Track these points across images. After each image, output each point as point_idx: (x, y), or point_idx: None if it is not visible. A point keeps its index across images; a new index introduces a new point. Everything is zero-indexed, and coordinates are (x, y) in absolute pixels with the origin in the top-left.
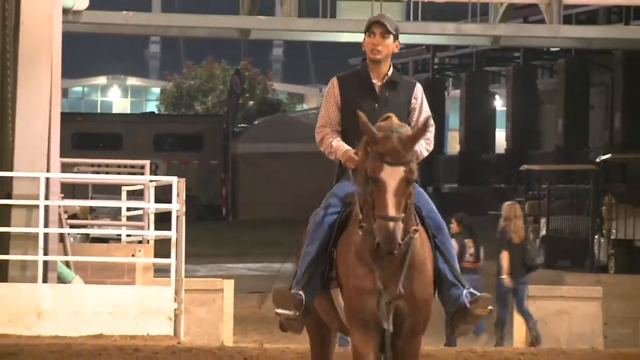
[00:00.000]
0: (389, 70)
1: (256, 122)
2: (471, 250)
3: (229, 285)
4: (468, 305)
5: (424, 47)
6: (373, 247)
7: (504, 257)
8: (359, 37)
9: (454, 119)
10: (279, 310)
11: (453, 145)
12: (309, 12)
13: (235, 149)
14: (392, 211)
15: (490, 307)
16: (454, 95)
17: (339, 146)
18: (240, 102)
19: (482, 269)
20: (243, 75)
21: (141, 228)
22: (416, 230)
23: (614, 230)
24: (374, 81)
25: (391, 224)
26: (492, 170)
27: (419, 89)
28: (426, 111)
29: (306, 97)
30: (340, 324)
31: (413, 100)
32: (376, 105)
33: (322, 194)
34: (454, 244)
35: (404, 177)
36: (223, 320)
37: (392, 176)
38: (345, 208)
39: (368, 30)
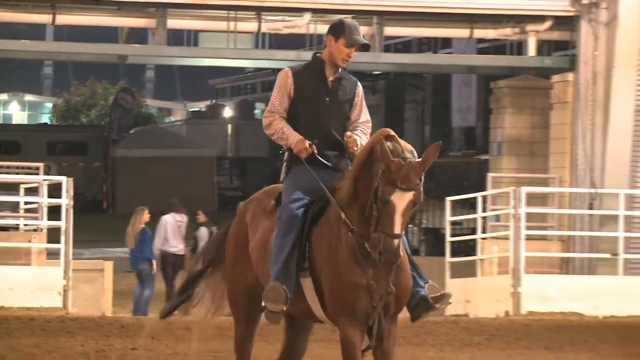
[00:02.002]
0: (339, 68)
1: (132, 132)
2: None
3: (109, 266)
4: (431, 300)
5: (270, 70)
6: (367, 252)
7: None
8: (217, 62)
9: None
10: (267, 305)
11: None
12: (176, 41)
13: (115, 153)
14: (398, 229)
15: (451, 301)
16: None
17: (291, 134)
18: (130, 114)
19: None
20: (128, 92)
21: (36, 219)
22: None
23: (424, 221)
24: (327, 77)
25: (396, 241)
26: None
27: (360, 87)
28: (365, 109)
29: (173, 111)
30: (309, 311)
31: (356, 98)
32: (327, 99)
33: (185, 191)
34: (204, 232)
35: (412, 200)
36: (104, 294)
37: (402, 199)
38: (315, 202)
39: (350, 40)
